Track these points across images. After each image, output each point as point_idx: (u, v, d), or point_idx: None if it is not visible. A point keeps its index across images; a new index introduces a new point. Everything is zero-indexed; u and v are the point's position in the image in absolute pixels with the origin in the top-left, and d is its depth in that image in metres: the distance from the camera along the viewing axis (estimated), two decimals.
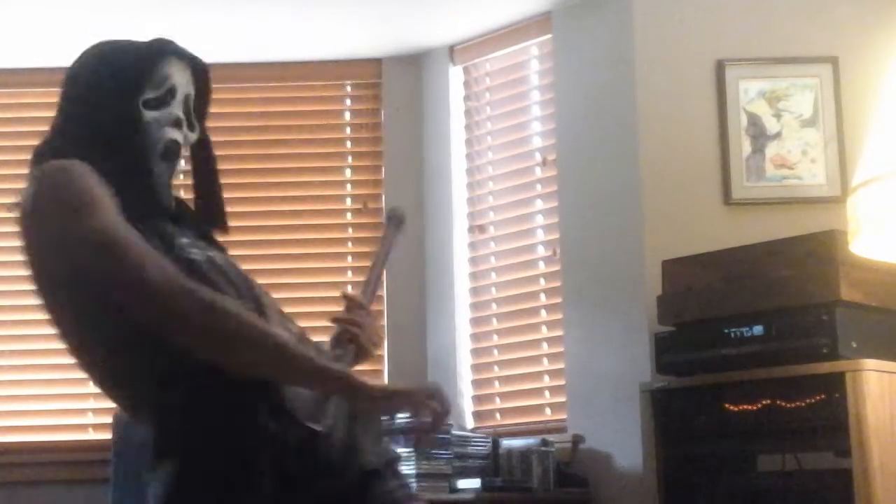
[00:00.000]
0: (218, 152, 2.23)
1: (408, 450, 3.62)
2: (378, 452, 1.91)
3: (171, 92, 1.96)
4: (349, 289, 4.27)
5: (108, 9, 4.11)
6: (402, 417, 2.04)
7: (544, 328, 4.16)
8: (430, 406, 1.79)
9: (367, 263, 4.39)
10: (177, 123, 1.96)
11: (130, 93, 1.93)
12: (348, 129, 4.65)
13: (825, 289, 3.05)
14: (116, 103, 1.94)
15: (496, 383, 4.26)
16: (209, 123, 2.14)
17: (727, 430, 3.16)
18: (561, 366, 4.00)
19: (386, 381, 4.34)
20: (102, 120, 1.93)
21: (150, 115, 1.93)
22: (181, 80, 1.98)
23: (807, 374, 3.02)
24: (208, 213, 2.06)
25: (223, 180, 2.13)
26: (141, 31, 4.50)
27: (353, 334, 2.02)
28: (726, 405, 3.16)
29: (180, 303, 1.70)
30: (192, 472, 1.75)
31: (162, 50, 1.98)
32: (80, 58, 2.08)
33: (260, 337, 1.73)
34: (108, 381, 1.90)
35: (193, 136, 2.02)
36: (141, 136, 1.92)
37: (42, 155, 1.98)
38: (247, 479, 1.74)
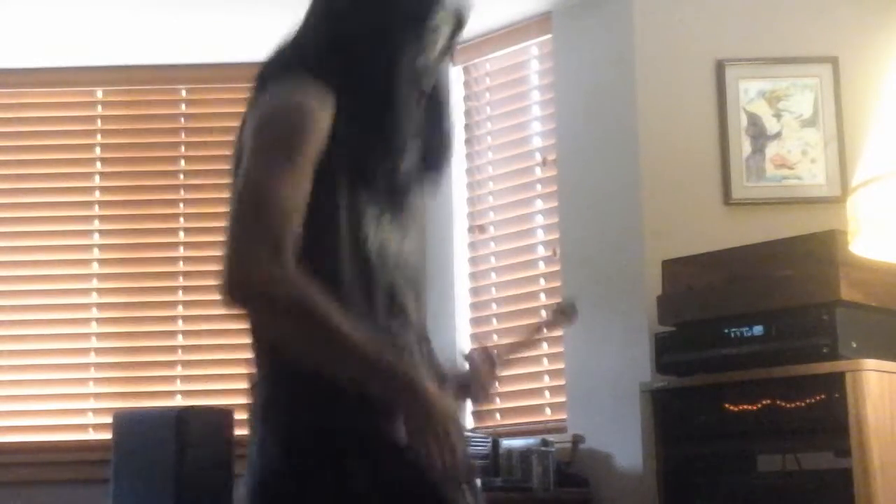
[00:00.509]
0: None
1: None
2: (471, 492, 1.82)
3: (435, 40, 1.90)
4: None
5: (107, 9, 4.10)
6: None
7: (544, 328, 4.15)
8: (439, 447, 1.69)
9: None
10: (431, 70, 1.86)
11: (406, 39, 1.84)
12: None
13: (825, 289, 3.05)
14: (392, 42, 1.83)
15: (496, 383, 4.25)
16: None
17: (727, 430, 3.16)
18: (561, 366, 4.00)
19: None
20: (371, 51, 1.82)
21: (416, 61, 1.84)
22: (446, 30, 1.94)
23: (807, 374, 3.02)
24: (431, 156, 1.92)
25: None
26: (141, 32, 4.53)
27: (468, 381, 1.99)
28: (726, 405, 3.16)
29: (266, 309, 1.66)
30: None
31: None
32: None
33: (343, 354, 1.67)
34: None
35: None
36: (399, 91, 1.80)
37: (292, 64, 1.85)
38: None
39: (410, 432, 1.69)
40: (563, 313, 2.28)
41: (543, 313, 2.36)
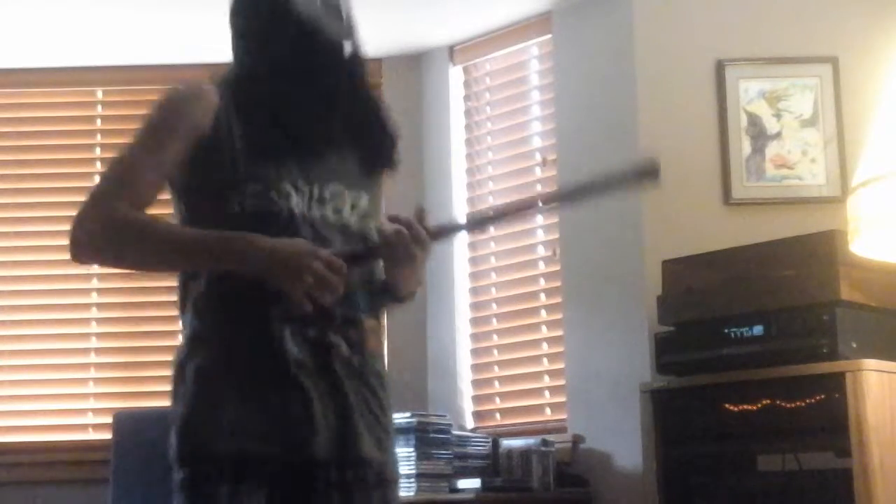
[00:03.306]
0: None
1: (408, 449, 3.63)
2: (381, 452, 1.98)
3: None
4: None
5: (107, 9, 4.10)
6: None
7: (544, 328, 4.15)
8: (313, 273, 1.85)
9: None
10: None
11: None
12: None
13: (825, 289, 3.05)
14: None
15: (496, 383, 4.26)
16: None
17: (727, 430, 3.16)
18: (561, 366, 4.00)
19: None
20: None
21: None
22: None
23: (807, 374, 3.02)
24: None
25: None
26: (141, 32, 4.53)
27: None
28: (726, 405, 3.16)
29: (93, 236, 1.95)
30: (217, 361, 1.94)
31: None
32: None
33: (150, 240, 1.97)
34: None
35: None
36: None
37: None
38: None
39: (272, 282, 1.86)
40: (644, 173, 2.08)
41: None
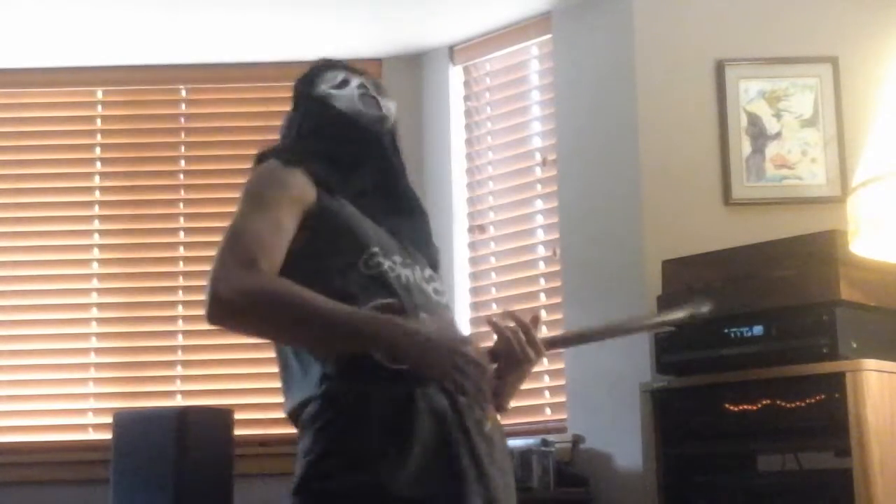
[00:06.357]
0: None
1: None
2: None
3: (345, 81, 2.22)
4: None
5: (107, 9, 4.10)
6: None
7: (544, 328, 4.15)
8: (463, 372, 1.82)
9: None
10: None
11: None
12: None
13: (825, 289, 3.05)
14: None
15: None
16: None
17: (727, 430, 3.16)
18: (561, 366, 4.00)
19: None
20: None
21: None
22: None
23: (807, 374, 3.02)
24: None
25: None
26: (141, 32, 4.53)
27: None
28: (726, 405, 3.16)
29: (244, 308, 1.87)
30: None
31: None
32: None
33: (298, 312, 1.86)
34: None
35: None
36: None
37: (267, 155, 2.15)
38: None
39: (420, 370, 1.83)
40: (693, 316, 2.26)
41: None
